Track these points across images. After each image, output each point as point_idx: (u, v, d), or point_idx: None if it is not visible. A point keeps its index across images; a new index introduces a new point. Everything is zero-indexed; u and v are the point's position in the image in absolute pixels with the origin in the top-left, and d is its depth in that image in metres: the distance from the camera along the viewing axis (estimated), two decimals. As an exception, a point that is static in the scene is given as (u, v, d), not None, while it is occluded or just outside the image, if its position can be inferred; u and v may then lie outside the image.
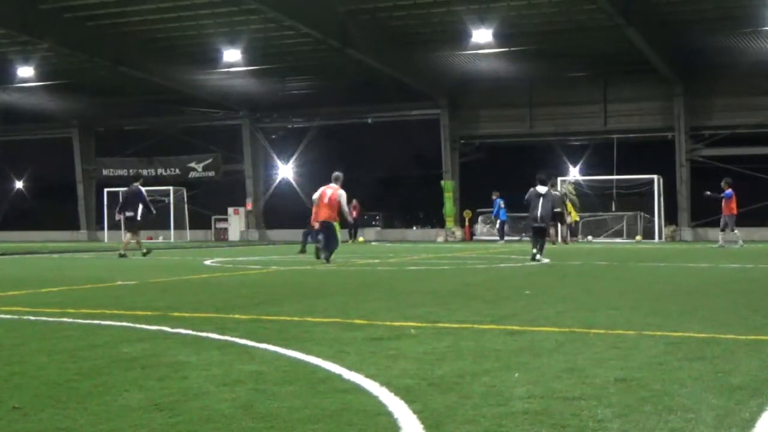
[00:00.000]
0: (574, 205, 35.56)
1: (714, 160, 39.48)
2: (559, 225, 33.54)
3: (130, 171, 48.81)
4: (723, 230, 28.38)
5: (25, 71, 39.92)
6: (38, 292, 12.17)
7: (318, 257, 20.01)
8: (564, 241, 33.45)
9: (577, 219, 37.36)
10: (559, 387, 5.00)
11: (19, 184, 55.45)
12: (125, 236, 25.50)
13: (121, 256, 23.15)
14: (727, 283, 13.59)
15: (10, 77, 40.67)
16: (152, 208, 24.82)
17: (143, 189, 24.57)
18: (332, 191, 20.23)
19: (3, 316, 8.97)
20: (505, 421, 4.21)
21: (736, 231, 28.56)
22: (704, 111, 39.39)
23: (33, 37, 34.62)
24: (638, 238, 38.71)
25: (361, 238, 38.58)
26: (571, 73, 39.67)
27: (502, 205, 36.77)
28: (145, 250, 23.97)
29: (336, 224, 20.19)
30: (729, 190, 28.21)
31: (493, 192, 36.69)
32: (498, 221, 36.99)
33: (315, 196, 20.50)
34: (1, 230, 48.99)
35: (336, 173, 20.74)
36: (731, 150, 39.61)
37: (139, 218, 23.98)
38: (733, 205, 28.26)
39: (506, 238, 37.79)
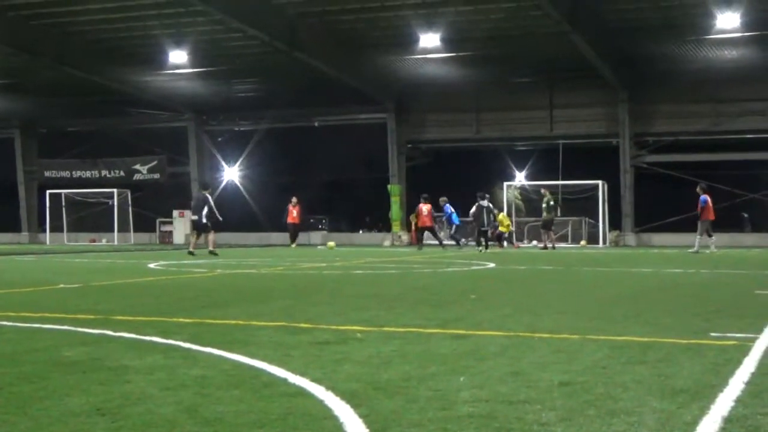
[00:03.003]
0: (519, 210, 35.83)
1: (658, 167, 40.04)
2: (548, 231, 33.94)
3: (73, 172, 48.29)
4: (701, 235, 28.37)
5: (-34, 70, 39.29)
6: (-23, 295, 11.98)
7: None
8: (552, 245, 33.68)
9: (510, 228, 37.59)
10: (504, 391, 5.03)
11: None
12: (192, 237, 28.07)
13: (190, 253, 26.05)
14: (669, 288, 13.77)
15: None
16: (217, 214, 26.77)
17: (210, 197, 26.95)
18: (427, 207, 33.39)
19: (-59, 319, 8.82)
20: (451, 425, 4.23)
21: (713, 237, 28.71)
22: (648, 118, 39.89)
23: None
24: (583, 242, 39.13)
25: (331, 243, 36.42)
26: (518, 78, 39.95)
27: (452, 210, 36.61)
28: (213, 249, 26.39)
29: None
30: (704, 196, 28.23)
31: (441, 198, 36.71)
32: (453, 226, 36.61)
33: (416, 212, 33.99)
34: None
35: (425, 195, 34.07)
36: (674, 156, 40.15)
37: (204, 221, 26.34)
38: (709, 210, 28.27)
39: (451, 242, 37.84)
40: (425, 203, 34.49)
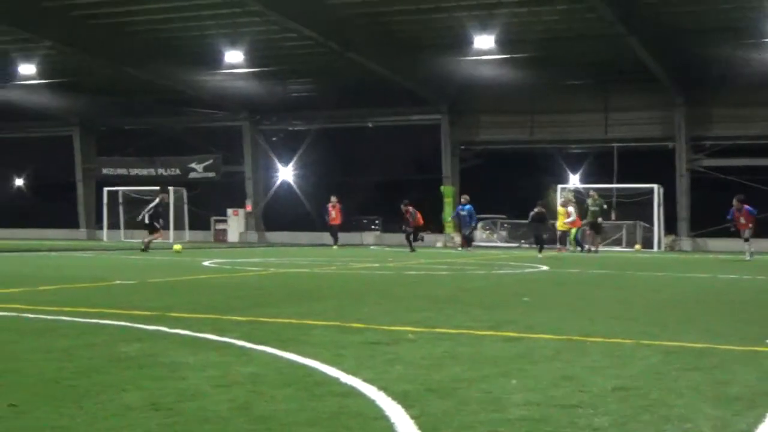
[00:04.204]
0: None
1: (714, 171, 39.46)
2: (595, 234, 33.57)
3: (130, 170, 48.86)
4: (747, 240, 27.96)
5: (27, 69, 39.89)
6: (36, 290, 12.16)
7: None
8: (595, 249, 33.29)
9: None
10: (557, 394, 5.00)
11: (19, 182, 55.43)
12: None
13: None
14: (724, 294, 13.59)
15: (12, 75, 40.64)
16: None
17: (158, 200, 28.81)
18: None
19: (1, 313, 8.97)
20: (502, 428, 4.21)
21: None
22: (705, 121, 39.35)
23: (35, 35, 34.66)
24: (637, 247, 38.67)
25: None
26: (572, 81, 39.61)
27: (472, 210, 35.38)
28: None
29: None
30: (748, 207, 27.74)
31: (463, 196, 35.56)
32: (469, 227, 35.18)
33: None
34: (2, 228, 48.91)
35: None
36: (732, 161, 39.53)
37: (147, 221, 27.85)
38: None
39: (506, 244, 37.43)
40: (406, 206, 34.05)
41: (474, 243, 37.39)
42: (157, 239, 29.12)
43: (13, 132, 50.95)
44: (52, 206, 50.91)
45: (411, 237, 33.26)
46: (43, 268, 18.59)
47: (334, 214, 36.62)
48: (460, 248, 34.63)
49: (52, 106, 45.96)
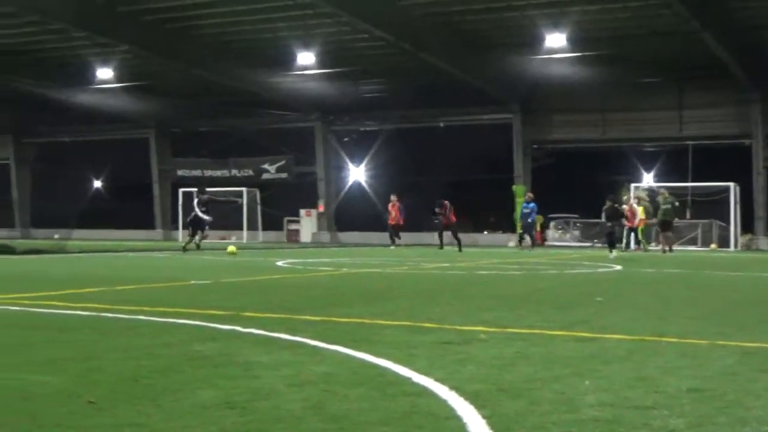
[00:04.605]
0: (647, 212, 34.86)
1: (792, 168, 38.65)
2: (666, 233, 32.87)
3: (204, 171, 49.48)
4: None
5: (105, 73, 40.72)
6: (114, 289, 12.37)
7: None
8: (670, 248, 32.65)
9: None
10: (630, 395, 4.94)
11: (97, 183, 56.50)
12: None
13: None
14: (804, 294, 13.29)
15: (89, 79, 41.47)
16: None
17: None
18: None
19: (80, 312, 9.14)
20: (575, 429, 4.17)
21: None
22: (783, 117, 38.57)
23: (112, 39, 35.30)
24: (713, 246, 38.06)
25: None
26: (645, 78, 39.11)
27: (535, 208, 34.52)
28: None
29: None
30: None
31: (528, 194, 35.06)
32: (527, 224, 34.13)
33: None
34: (80, 228, 49.93)
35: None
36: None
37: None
38: None
39: (579, 243, 37.04)
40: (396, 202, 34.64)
41: (546, 242, 37.04)
42: (204, 239, 28.89)
43: (91, 135, 52.04)
44: (128, 207, 51.79)
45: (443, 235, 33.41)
46: (121, 269, 18.92)
47: (393, 213, 35.90)
48: (529, 248, 34.08)
49: (129, 109, 46.79)
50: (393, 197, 36.18)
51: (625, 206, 32.28)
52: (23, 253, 25.67)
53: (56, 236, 42.63)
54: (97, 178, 56.27)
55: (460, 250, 31.47)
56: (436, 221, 33.65)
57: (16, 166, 55.57)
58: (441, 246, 32.66)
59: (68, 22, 33.25)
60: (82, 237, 45.78)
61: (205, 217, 27.63)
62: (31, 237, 49.48)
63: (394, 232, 35.82)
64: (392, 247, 34.55)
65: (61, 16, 32.48)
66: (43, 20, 33.58)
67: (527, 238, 34.16)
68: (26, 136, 54.98)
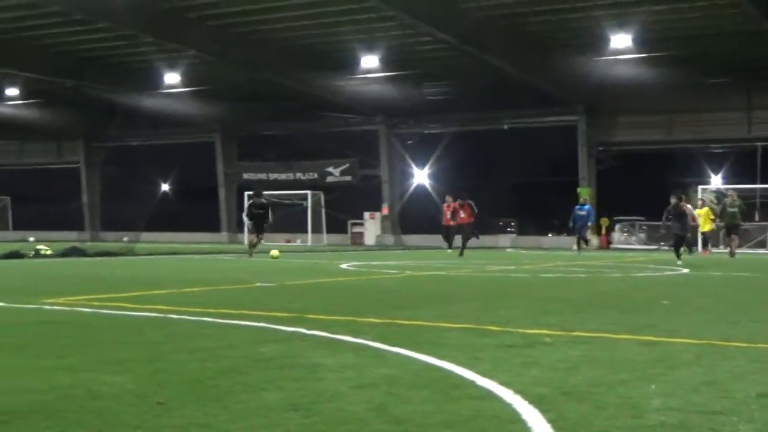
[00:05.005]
0: (714, 214, 34.25)
1: None
2: (732, 236, 31.98)
3: (269, 175, 49.83)
4: None
5: (172, 78, 41.26)
6: (181, 291, 12.53)
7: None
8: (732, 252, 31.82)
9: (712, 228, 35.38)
10: (698, 400, 4.87)
11: (164, 186, 57.22)
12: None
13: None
14: None
15: (157, 83, 42.05)
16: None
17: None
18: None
19: (148, 314, 9.28)
20: (641, 434, 4.13)
21: None
22: None
23: (180, 44, 35.77)
24: (782, 249, 37.37)
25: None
26: (713, 79, 38.46)
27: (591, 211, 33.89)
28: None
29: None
30: None
31: (583, 197, 34.26)
32: (584, 227, 33.00)
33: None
34: (148, 231, 50.64)
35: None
36: None
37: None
38: None
39: (645, 246, 36.48)
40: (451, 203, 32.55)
41: (611, 245, 36.62)
42: (259, 242, 27.35)
43: (158, 139, 52.71)
44: (194, 210, 52.39)
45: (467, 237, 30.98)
46: (187, 271, 19.14)
47: (449, 215, 33.26)
48: (586, 250, 33.20)
49: (195, 113, 47.32)
50: (448, 198, 34.31)
51: (701, 210, 31.89)
52: (94, 255, 26.14)
53: (125, 239, 43.27)
54: (164, 182, 56.95)
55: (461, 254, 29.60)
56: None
57: (86, 170, 56.57)
58: (462, 251, 30.12)
59: (138, 28, 33.74)
60: (149, 240, 46.41)
61: (246, 220, 27.03)
62: (100, 240, 50.28)
63: (450, 233, 33.52)
64: (449, 251, 32.55)
65: (131, 23, 32.96)
66: (114, 27, 34.12)
67: (585, 240, 33.53)
68: (96, 141, 55.92)
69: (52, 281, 14.92)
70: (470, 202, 31.03)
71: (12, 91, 46.58)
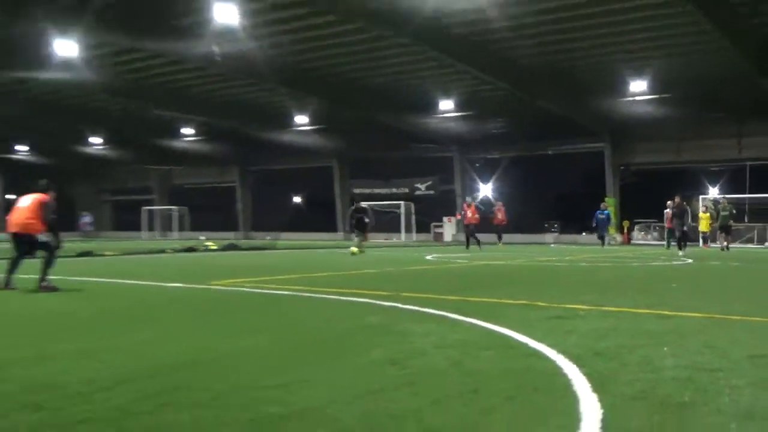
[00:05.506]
0: (712, 217, 33.22)
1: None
2: (726, 234, 30.85)
3: (373, 189, 50.05)
4: None
5: (301, 119, 41.85)
6: (310, 276, 12.67)
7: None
8: (727, 247, 30.70)
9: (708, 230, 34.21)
10: (701, 360, 4.74)
11: (296, 199, 58.14)
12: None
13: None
14: None
15: (289, 123, 42.75)
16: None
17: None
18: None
19: (285, 292, 9.42)
20: (656, 384, 4.04)
21: None
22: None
23: (306, 93, 36.30)
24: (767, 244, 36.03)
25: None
26: (712, 113, 37.23)
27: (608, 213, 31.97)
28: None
29: None
30: None
31: (603, 203, 32.94)
32: (602, 227, 31.16)
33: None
34: (285, 231, 51.36)
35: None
36: None
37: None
38: None
39: (657, 242, 35.46)
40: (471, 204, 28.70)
41: (631, 241, 35.76)
42: (366, 238, 24.62)
43: (292, 164, 53.42)
44: (318, 216, 52.99)
45: (473, 235, 27.89)
46: (313, 261, 19.34)
47: (469, 214, 28.49)
48: (610, 245, 31.93)
49: (318, 144, 47.80)
50: (468, 198, 30.74)
51: (704, 213, 30.91)
52: (246, 249, 26.63)
53: (268, 238, 43.97)
54: (296, 196, 57.82)
55: (467, 247, 27.36)
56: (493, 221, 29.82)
57: (240, 188, 57.59)
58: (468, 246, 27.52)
59: (276, 81, 34.29)
60: (286, 238, 47.12)
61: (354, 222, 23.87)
62: (250, 238, 51.17)
63: (471, 231, 28.35)
64: (473, 247, 27.63)
65: (270, 78, 33.52)
66: (258, 82, 34.78)
67: (607, 238, 32.46)
68: (248, 165, 56.87)
69: (216, 269, 15.28)
70: (477, 203, 28.57)
71: (187, 131, 47.92)
